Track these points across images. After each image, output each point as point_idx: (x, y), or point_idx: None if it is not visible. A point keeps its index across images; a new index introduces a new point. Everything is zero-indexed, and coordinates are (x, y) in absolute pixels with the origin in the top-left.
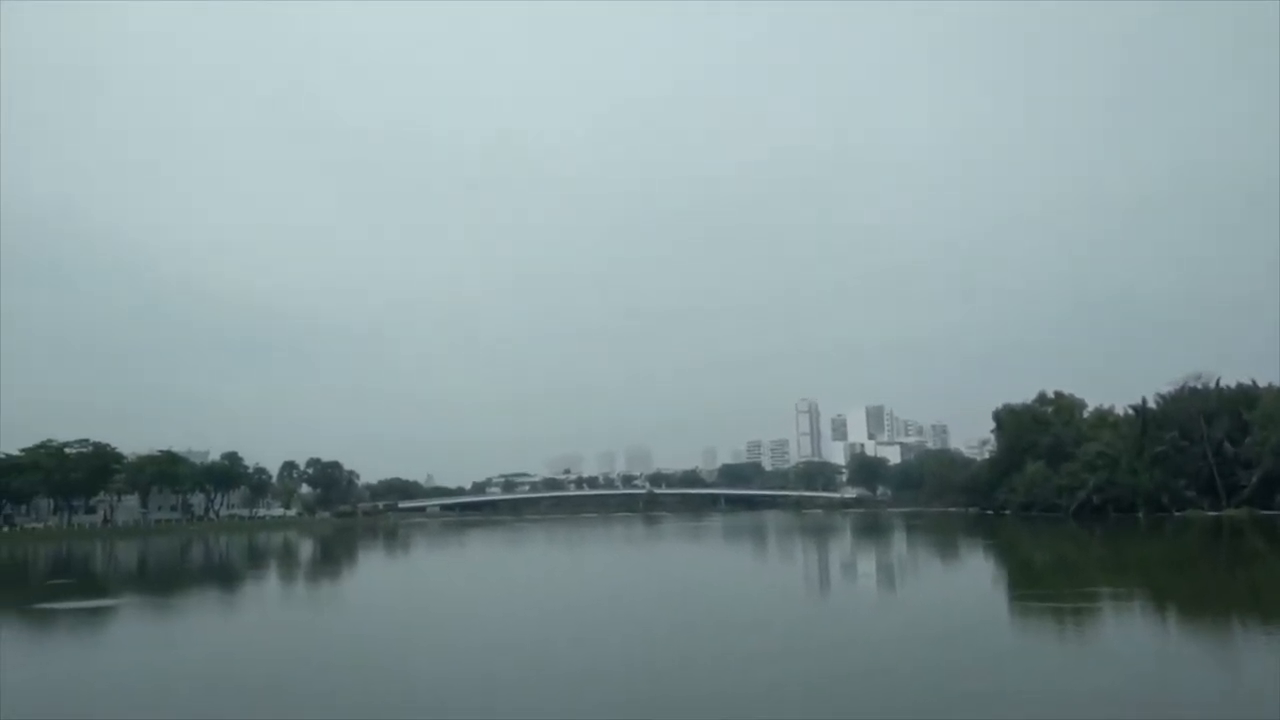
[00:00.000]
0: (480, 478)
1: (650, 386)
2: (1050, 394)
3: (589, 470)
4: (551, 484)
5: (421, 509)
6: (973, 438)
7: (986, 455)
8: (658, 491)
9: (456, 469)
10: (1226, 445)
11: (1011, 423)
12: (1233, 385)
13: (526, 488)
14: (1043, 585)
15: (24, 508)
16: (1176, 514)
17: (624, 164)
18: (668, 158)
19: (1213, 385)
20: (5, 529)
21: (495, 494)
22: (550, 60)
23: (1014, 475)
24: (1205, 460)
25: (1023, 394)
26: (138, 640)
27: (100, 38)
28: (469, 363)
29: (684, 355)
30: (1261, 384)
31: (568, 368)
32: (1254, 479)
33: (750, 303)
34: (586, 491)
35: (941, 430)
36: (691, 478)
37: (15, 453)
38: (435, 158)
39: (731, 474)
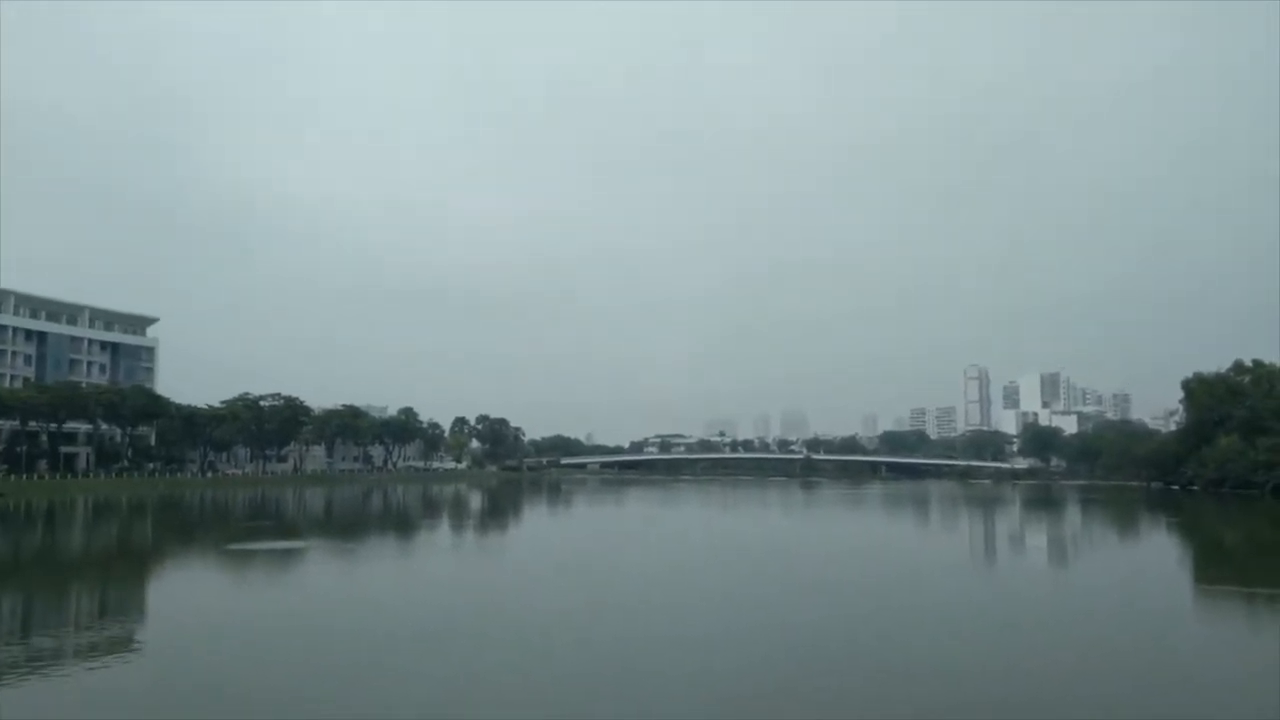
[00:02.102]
0: (638, 437)
1: (809, 351)
2: (1247, 362)
3: (744, 433)
4: (706, 445)
5: (582, 466)
6: (1158, 408)
7: (1173, 427)
8: (815, 457)
9: (616, 428)
10: None
11: (1202, 392)
12: None
13: (682, 448)
14: (1233, 569)
15: (224, 455)
16: None
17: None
18: (849, 109)
19: None
20: (209, 474)
21: (652, 454)
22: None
23: (1204, 449)
24: None
25: (1216, 361)
26: (321, 582)
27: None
28: (634, 323)
29: (844, 319)
30: None
31: (731, 329)
32: None
33: (918, 262)
34: (742, 454)
35: (1123, 399)
36: (850, 444)
37: (217, 405)
38: (616, 113)
39: (893, 441)
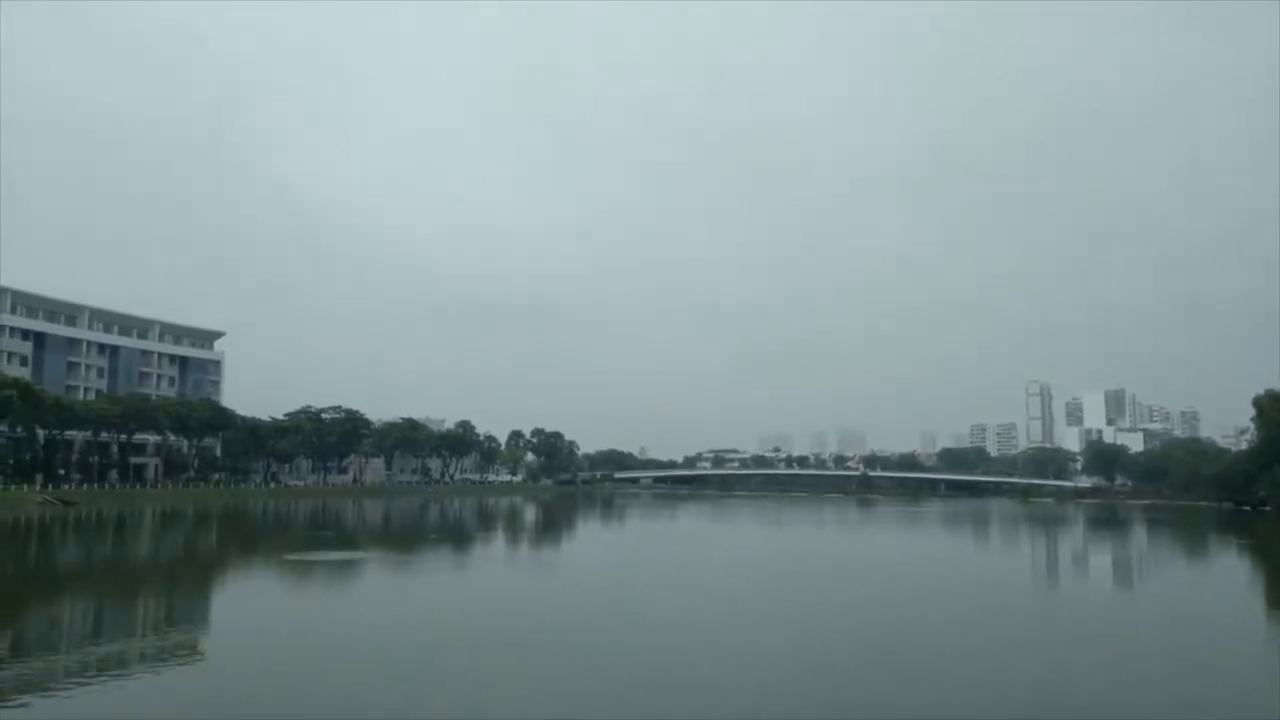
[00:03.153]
0: (691, 452)
1: (865, 365)
2: None
3: (799, 450)
4: (761, 461)
5: (635, 480)
6: (1228, 426)
7: (1244, 445)
8: (872, 474)
9: (668, 442)
10: None
11: (1275, 410)
12: None
13: (736, 464)
14: None
15: (287, 467)
16: None
17: (848, 117)
18: (896, 109)
19: None
20: (271, 485)
21: (705, 469)
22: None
23: (1276, 468)
24: None
25: None
26: (375, 597)
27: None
28: (686, 334)
29: (900, 331)
30: None
31: (784, 341)
32: None
33: (980, 275)
34: (796, 471)
35: (1191, 417)
36: (908, 461)
37: (280, 417)
38: (663, 116)
39: (952, 458)
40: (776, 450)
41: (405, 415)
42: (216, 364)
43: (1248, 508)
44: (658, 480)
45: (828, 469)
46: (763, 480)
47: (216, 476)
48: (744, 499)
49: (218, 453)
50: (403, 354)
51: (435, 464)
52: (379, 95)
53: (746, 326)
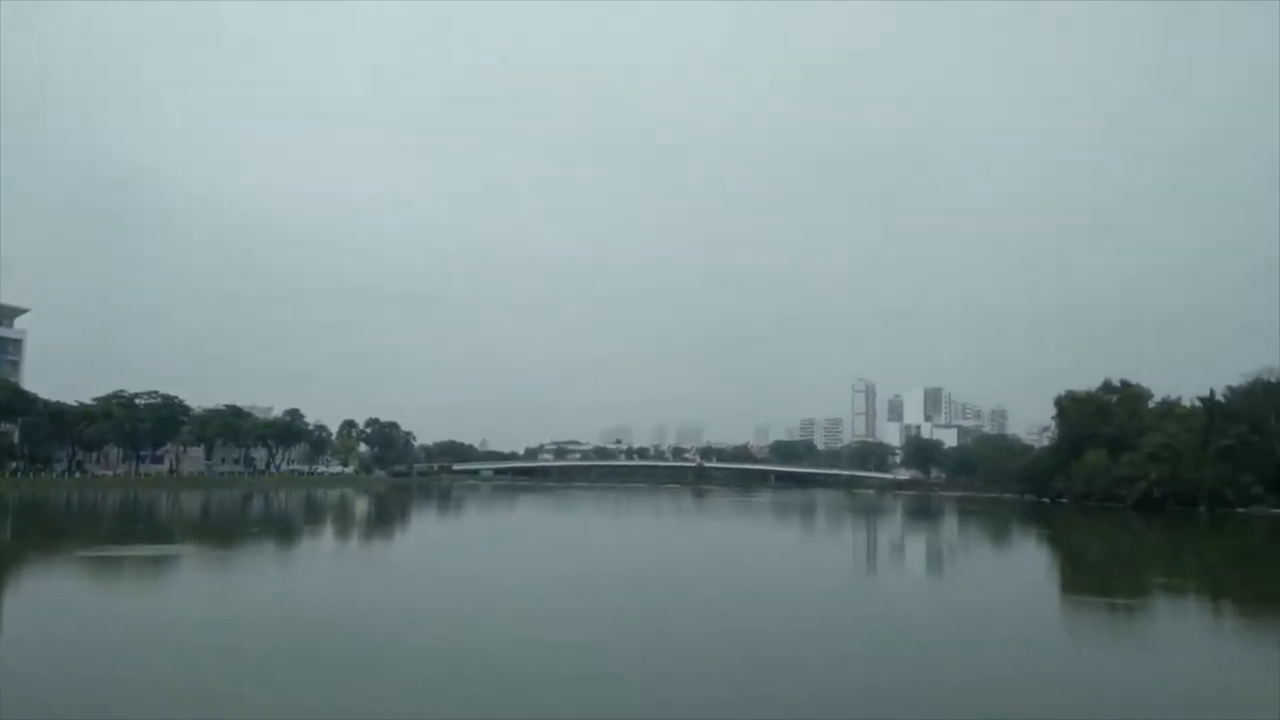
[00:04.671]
0: (533, 444)
1: (705, 364)
2: (1115, 382)
3: (640, 442)
4: (602, 453)
5: (474, 472)
6: (1032, 424)
7: (1046, 442)
8: (707, 465)
9: (510, 435)
10: None
11: (1074, 410)
12: None
13: (578, 456)
14: (1095, 578)
15: (95, 455)
16: (1240, 510)
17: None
18: (744, 124)
19: None
20: (76, 475)
21: (547, 460)
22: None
23: (1073, 464)
24: (1273, 456)
25: (1087, 381)
26: (183, 593)
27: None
28: (529, 329)
29: (739, 331)
30: None
31: (626, 340)
32: None
33: (812, 277)
34: (637, 462)
35: (1000, 415)
36: (742, 453)
37: (88, 402)
38: (545, 103)
39: (783, 451)
40: (618, 442)
41: (229, 402)
42: (17, 343)
43: (1046, 500)
44: (498, 472)
45: (666, 460)
46: (603, 471)
47: (13, 465)
48: (585, 490)
49: (15, 439)
50: (232, 339)
51: (261, 454)
52: (221, 76)
53: (593, 322)
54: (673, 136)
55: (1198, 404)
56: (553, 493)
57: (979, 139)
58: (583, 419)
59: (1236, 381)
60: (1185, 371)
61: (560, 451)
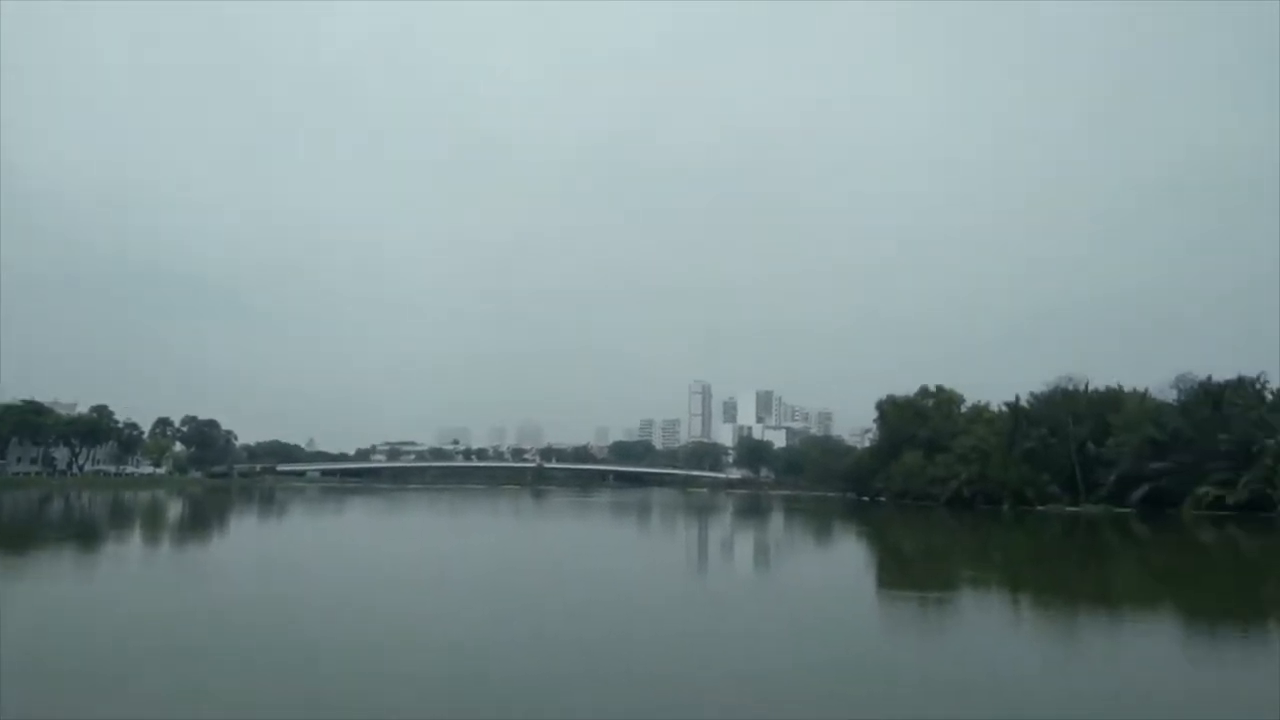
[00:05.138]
0: (365, 444)
1: (546, 364)
2: (932, 388)
3: (479, 443)
4: (438, 454)
5: (301, 473)
6: (856, 426)
7: (868, 443)
8: (547, 465)
9: (341, 435)
10: (1090, 445)
11: (893, 413)
12: (1100, 388)
13: (412, 456)
14: (909, 574)
15: None
16: (1039, 508)
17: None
18: (597, 125)
19: (1082, 388)
20: None
21: (379, 461)
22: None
23: (892, 464)
24: (1069, 458)
25: (907, 386)
26: None
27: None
28: (361, 328)
29: (582, 334)
30: (1127, 388)
31: (464, 339)
32: (1112, 478)
33: (654, 286)
34: (475, 463)
35: (826, 417)
36: (582, 453)
37: None
38: (348, 110)
39: (622, 451)
40: (455, 443)
41: (28, 398)
42: None
43: (867, 498)
44: (326, 473)
45: (506, 461)
46: (439, 472)
47: None
48: (419, 491)
49: None
50: (38, 331)
51: (63, 454)
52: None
53: (430, 322)
54: (484, 132)
55: (1004, 409)
56: (385, 495)
57: (829, 139)
58: (419, 420)
59: (1039, 389)
60: (995, 377)
61: (394, 452)
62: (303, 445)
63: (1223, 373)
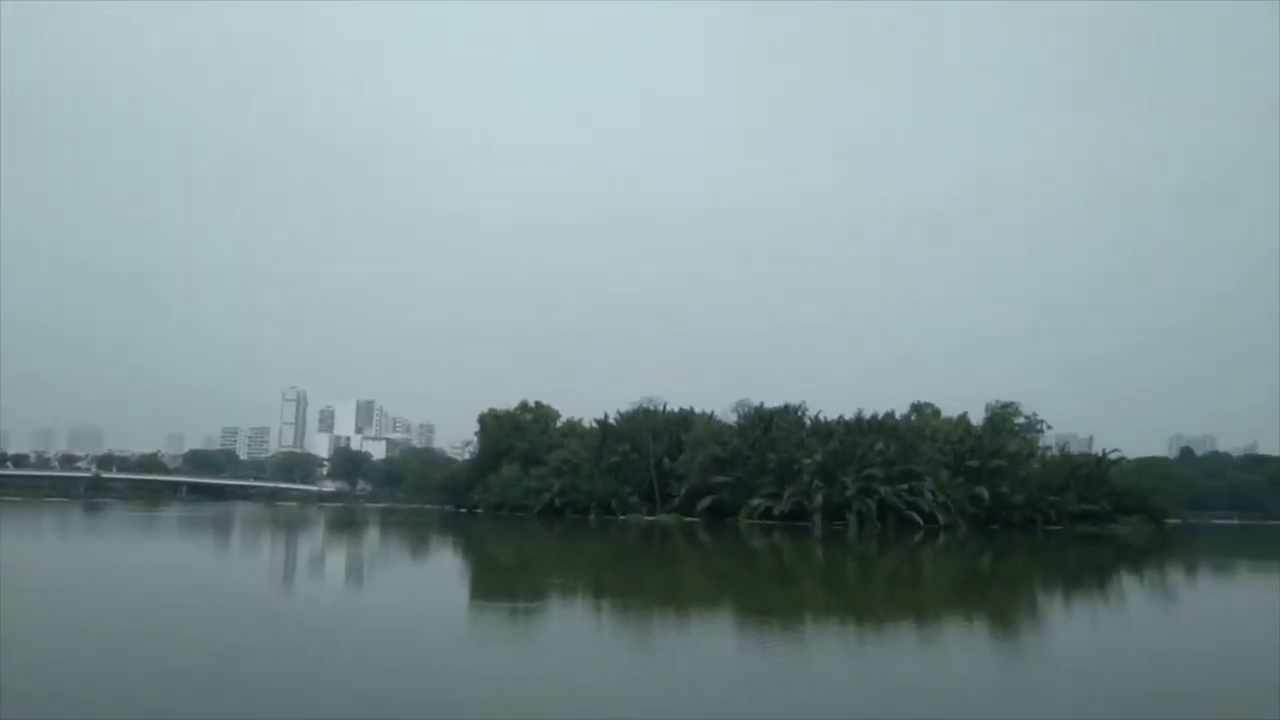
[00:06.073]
0: None
1: (108, 363)
2: (531, 403)
3: (19, 448)
4: None
5: None
6: (458, 439)
7: (468, 456)
8: (106, 475)
9: None
10: (666, 460)
11: (494, 426)
12: (675, 410)
13: None
14: (500, 583)
15: None
16: (621, 517)
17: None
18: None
19: (660, 408)
20: None
21: None
22: None
23: (490, 476)
24: (648, 471)
25: (510, 400)
26: None
27: None
28: None
29: (152, 331)
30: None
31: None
32: (683, 490)
33: (239, 281)
34: (11, 471)
35: (429, 429)
36: (151, 462)
37: None
38: None
39: (200, 460)
40: None
41: None
42: None
43: (465, 510)
44: None
45: (53, 469)
46: None
47: None
48: None
49: None
50: None
51: None
52: None
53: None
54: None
55: (595, 425)
56: None
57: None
58: None
59: (625, 408)
60: (596, 391)
61: None
62: None
63: (772, 399)
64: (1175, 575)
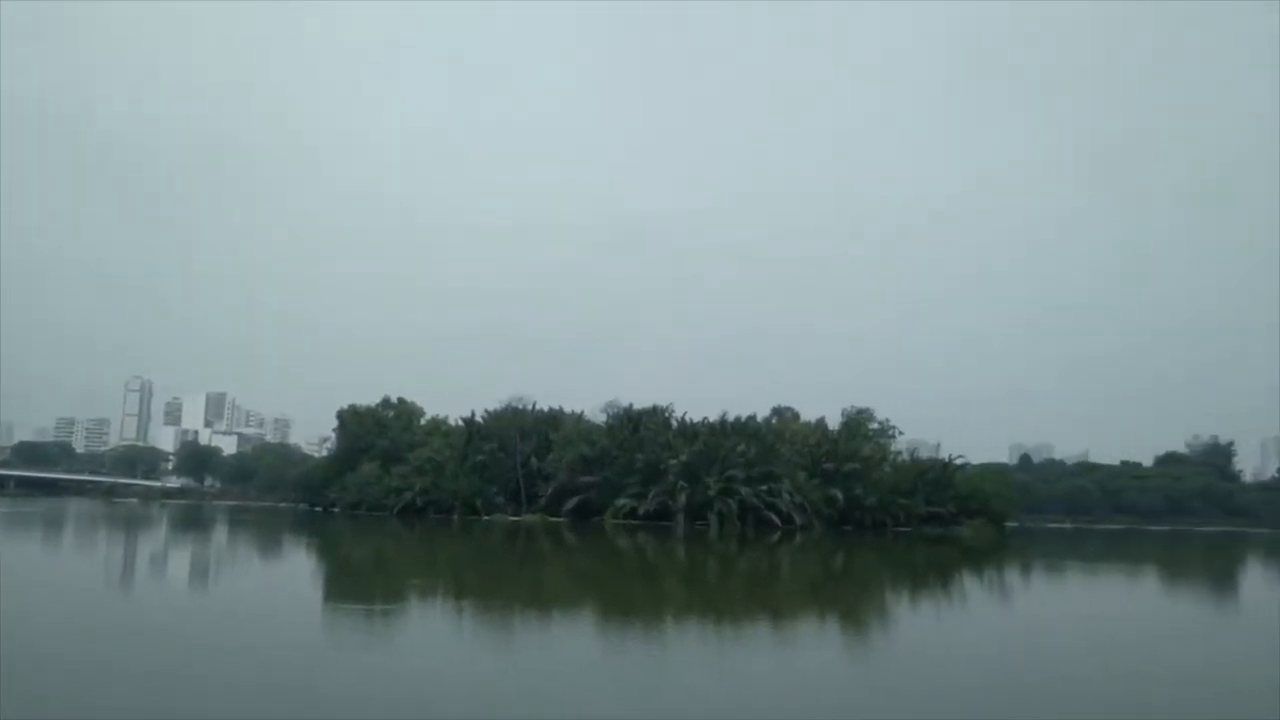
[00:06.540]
0: None
1: None
2: (394, 399)
3: None
4: None
5: None
6: (315, 435)
7: (325, 453)
8: None
9: None
10: (533, 460)
11: (354, 422)
12: (545, 409)
13: None
14: (355, 585)
15: None
16: (486, 517)
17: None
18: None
19: (530, 407)
20: None
21: None
22: None
23: (349, 475)
24: (515, 471)
25: (372, 396)
26: None
27: None
28: None
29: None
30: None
31: None
32: (550, 490)
33: (80, 264)
34: None
35: (284, 423)
36: None
37: None
38: None
39: (30, 453)
40: None
41: None
42: None
43: (321, 509)
44: None
45: None
46: None
47: None
48: None
49: None
50: None
51: None
52: None
53: None
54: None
55: (461, 423)
56: None
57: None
58: None
59: (494, 406)
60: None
61: None
62: None
63: (641, 400)
64: (1012, 575)
